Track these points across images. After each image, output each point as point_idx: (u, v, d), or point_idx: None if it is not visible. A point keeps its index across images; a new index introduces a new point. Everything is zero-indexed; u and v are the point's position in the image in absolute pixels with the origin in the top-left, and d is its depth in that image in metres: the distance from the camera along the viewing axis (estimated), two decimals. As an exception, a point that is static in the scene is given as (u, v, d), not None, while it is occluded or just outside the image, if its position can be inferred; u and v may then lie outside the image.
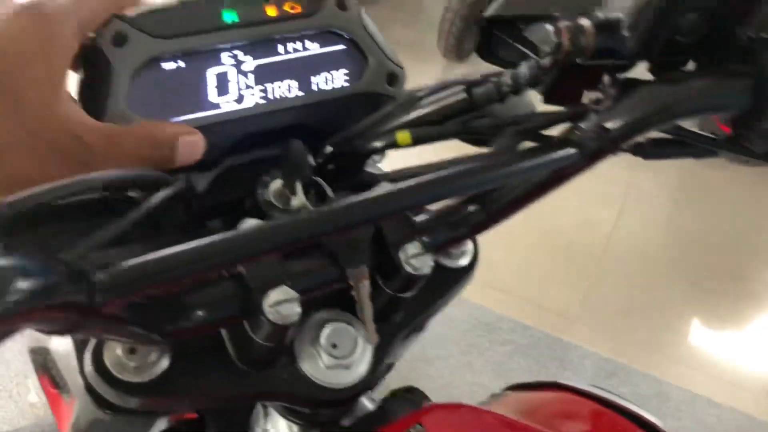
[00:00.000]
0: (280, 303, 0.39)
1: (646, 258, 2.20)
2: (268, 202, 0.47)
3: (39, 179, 0.35)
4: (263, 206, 0.47)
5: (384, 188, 0.39)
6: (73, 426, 0.56)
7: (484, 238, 0.52)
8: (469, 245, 0.56)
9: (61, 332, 0.31)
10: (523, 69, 0.42)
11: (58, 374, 0.62)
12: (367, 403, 0.56)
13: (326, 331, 0.46)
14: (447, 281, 0.54)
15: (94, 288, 0.30)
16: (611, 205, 2.34)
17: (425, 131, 0.46)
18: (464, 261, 0.55)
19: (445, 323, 1.93)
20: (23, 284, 0.26)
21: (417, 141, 0.46)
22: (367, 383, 0.47)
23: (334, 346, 0.46)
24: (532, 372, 1.85)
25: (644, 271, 2.16)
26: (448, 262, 0.54)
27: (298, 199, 0.46)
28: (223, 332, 0.45)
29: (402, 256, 0.45)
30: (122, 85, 0.42)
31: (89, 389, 0.43)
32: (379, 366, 0.48)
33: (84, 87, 0.42)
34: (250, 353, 0.44)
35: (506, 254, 2.09)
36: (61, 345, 0.72)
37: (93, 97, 0.42)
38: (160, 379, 0.43)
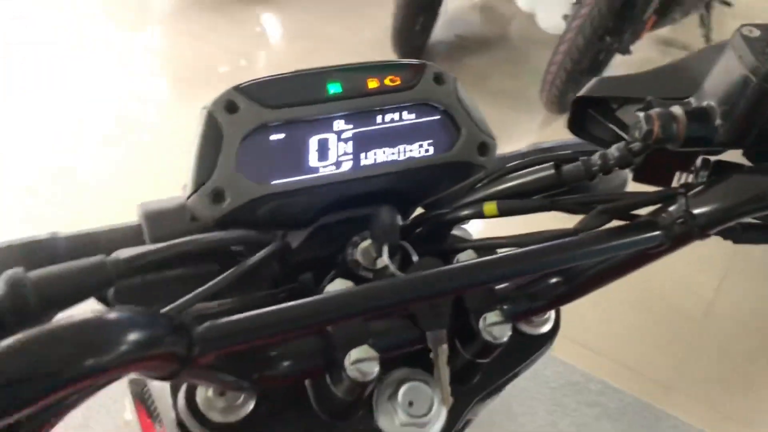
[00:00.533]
0: (361, 361, 0.42)
1: (748, 327, 2.09)
2: (355, 260, 0.49)
3: None
4: (351, 264, 0.50)
5: (469, 260, 0.41)
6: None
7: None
8: (551, 313, 0.56)
9: (160, 378, 0.34)
10: (613, 151, 0.43)
11: (152, 405, 0.66)
12: None
13: (404, 389, 0.48)
14: (526, 348, 0.54)
15: (192, 341, 0.33)
16: (715, 269, 2.24)
17: (512, 204, 0.47)
18: (545, 328, 0.55)
19: (531, 378, 1.89)
20: (132, 336, 0.30)
21: (503, 213, 0.47)
22: None
23: (411, 404, 0.47)
24: (619, 438, 1.78)
25: (746, 341, 2.05)
26: (528, 329, 0.55)
27: (383, 261, 0.48)
28: (307, 382, 0.48)
29: (481, 323, 0.46)
30: (232, 148, 0.45)
31: (180, 424, 0.46)
32: (454, 427, 0.49)
33: (197, 152, 0.46)
34: (330, 404, 0.47)
35: (600, 312, 2.03)
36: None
37: (204, 159, 0.45)
38: (244, 420, 0.46)
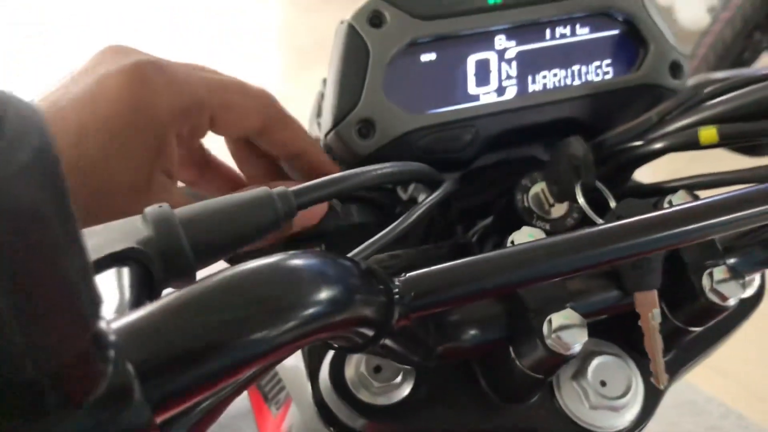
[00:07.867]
0: (564, 328, 0.33)
1: None
2: (528, 209, 0.41)
3: None
4: (521, 213, 0.41)
5: (689, 202, 0.32)
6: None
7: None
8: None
9: (351, 349, 0.28)
10: None
11: (269, 384, 0.58)
12: None
13: (594, 365, 0.39)
14: (730, 314, 0.44)
15: (392, 298, 0.27)
16: None
17: (740, 128, 0.38)
18: (750, 291, 0.45)
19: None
20: (335, 290, 0.24)
21: (726, 139, 0.38)
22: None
23: (603, 383, 0.38)
24: (741, 471, 1.61)
25: None
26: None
27: (561, 209, 0.40)
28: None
29: (705, 281, 0.36)
30: (379, 70, 0.39)
31: (321, 406, 0.38)
32: (653, 411, 0.40)
33: (338, 75, 0.39)
34: (506, 383, 0.38)
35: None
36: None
37: (347, 84, 0.39)
38: (401, 404, 0.37)
